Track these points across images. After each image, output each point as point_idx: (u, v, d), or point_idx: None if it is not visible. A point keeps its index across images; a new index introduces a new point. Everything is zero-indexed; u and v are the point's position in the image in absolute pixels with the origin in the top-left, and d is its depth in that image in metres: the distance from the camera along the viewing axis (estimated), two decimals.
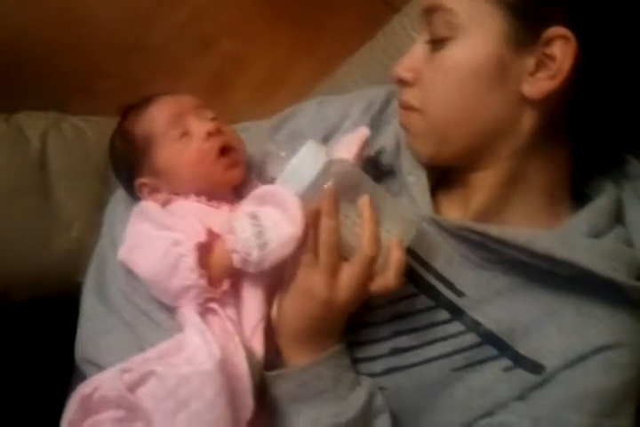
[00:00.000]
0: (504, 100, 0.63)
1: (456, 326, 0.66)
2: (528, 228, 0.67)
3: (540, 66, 0.60)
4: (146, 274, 0.68)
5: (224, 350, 0.62)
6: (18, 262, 0.85)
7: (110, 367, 0.64)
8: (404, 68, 0.68)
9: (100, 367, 0.67)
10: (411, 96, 0.68)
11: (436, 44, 0.64)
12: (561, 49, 0.59)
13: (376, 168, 0.77)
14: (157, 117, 0.75)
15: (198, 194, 0.74)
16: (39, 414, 0.69)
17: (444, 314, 0.67)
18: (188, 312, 0.66)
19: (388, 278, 0.60)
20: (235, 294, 0.68)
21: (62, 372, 0.79)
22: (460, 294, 0.67)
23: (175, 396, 0.59)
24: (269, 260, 0.64)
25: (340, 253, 0.61)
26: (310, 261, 0.61)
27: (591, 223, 0.66)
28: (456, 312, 0.67)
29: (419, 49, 0.67)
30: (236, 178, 0.77)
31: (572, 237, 0.64)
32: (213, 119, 0.77)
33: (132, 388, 0.61)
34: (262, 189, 0.68)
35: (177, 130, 0.74)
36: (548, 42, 0.59)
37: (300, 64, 1.99)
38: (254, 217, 0.65)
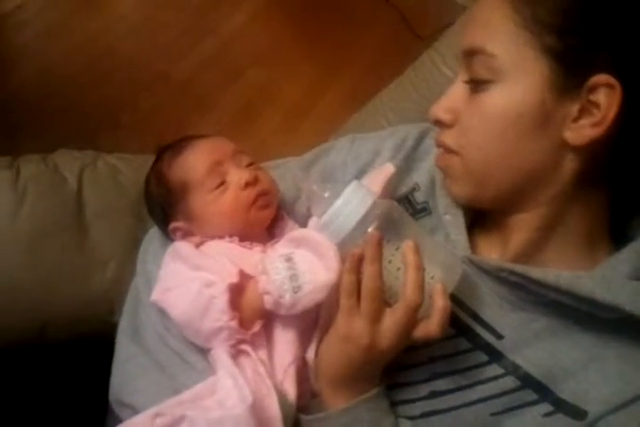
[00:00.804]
0: (545, 145, 0.62)
1: (495, 370, 0.65)
2: (568, 270, 0.66)
3: (583, 112, 0.59)
4: (178, 315, 0.68)
5: (256, 393, 0.62)
6: (54, 302, 0.85)
7: (144, 410, 0.64)
8: (442, 109, 0.67)
9: (134, 410, 0.67)
10: (448, 137, 0.67)
11: (477, 85, 0.63)
12: (606, 97, 0.58)
13: (410, 205, 0.78)
14: (195, 166, 0.75)
15: (231, 235, 0.74)
16: None
17: (482, 357, 0.66)
18: (220, 354, 0.66)
19: (430, 327, 0.59)
20: (266, 335, 0.68)
21: (97, 414, 0.79)
22: (498, 336, 0.66)
23: None
24: (302, 304, 0.64)
25: (383, 299, 0.60)
26: (352, 306, 0.60)
27: (633, 265, 0.64)
28: (495, 355, 0.65)
29: (458, 89, 0.66)
30: (267, 219, 0.77)
31: (614, 279, 0.63)
32: (250, 165, 0.77)
33: None
34: (298, 233, 0.68)
35: (215, 179, 0.75)
36: (593, 89, 0.58)
37: (328, 93, 2.02)
38: (289, 259, 0.65)
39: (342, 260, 0.62)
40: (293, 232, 0.70)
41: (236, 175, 0.75)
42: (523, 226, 0.67)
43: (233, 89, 1.99)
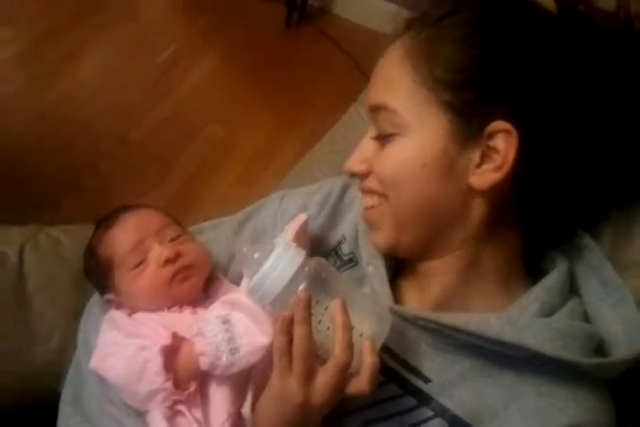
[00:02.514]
0: (453, 191, 0.65)
1: (424, 413, 0.67)
2: (483, 312, 0.68)
3: (484, 158, 0.63)
4: (115, 380, 0.70)
5: None
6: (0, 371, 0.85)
7: None
8: (356, 162, 0.70)
9: None
10: (371, 183, 0.70)
11: (383, 139, 0.66)
12: (504, 142, 0.61)
13: (338, 258, 0.80)
14: (119, 243, 0.77)
15: (158, 308, 0.76)
16: None
17: (412, 401, 0.67)
18: (156, 417, 0.68)
19: (361, 383, 0.60)
20: (201, 394, 0.69)
21: None
22: (425, 379, 0.68)
23: None
24: (238, 365, 0.66)
25: (316, 357, 0.61)
26: (284, 366, 0.61)
27: (541, 302, 0.67)
28: (423, 398, 0.67)
29: (368, 143, 0.69)
30: (190, 291, 0.78)
31: (521, 319, 0.66)
32: (175, 239, 0.79)
33: None
34: (233, 296, 0.70)
35: (136, 257, 0.76)
36: (491, 135, 0.62)
37: (286, 143, 2.05)
38: (226, 321, 0.68)
39: (275, 321, 0.63)
40: (228, 296, 0.72)
41: (156, 253, 0.76)
42: (439, 272, 0.70)
43: (192, 147, 2.03)
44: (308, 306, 0.59)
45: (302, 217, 0.77)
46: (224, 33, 2.38)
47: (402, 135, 0.65)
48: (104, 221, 0.81)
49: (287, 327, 0.60)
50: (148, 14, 2.45)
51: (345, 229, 0.82)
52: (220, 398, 0.69)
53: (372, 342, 0.61)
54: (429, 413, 0.66)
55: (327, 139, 1.11)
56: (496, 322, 0.65)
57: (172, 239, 0.79)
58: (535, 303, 0.67)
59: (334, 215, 0.83)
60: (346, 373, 0.60)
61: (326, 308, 0.61)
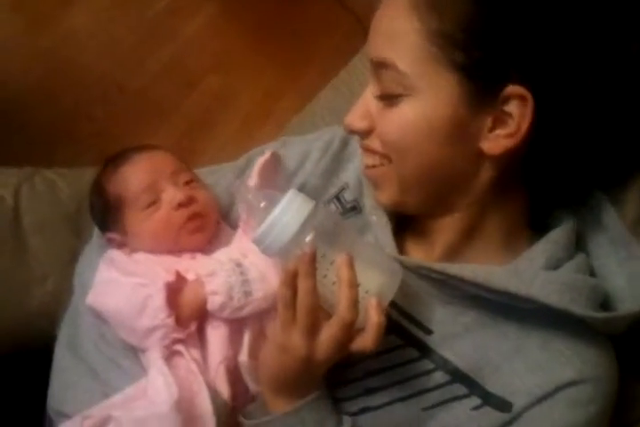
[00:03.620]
0: (462, 155, 0.62)
1: (425, 365, 0.66)
2: (488, 265, 0.67)
3: (497, 123, 0.59)
4: (113, 314, 0.70)
5: (185, 391, 0.63)
6: None
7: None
8: (356, 118, 0.65)
9: (68, 418, 0.67)
10: (373, 142, 0.66)
11: (387, 99, 0.62)
12: (518, 108, 0.57)
13: (340, 205, 0.79)
14: (131, 182, 0.75)
15: (162, 253, 0.75)
16: None
17: (413, 352, 0.67)
18: (153, 355, 0.67)
19: (366, 341, 0.58)
20: (199, 336, 0.69)
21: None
22: (427, 331, 0.67)
23: None
24: (247, 309, 0.66)
25: (321, 311, 0.59)
26: (289, 319, 0.59)
27: (548, 255, 0.66)
28: (425, 350, 0.66)
29: (370, 99, 0.64)
30: (200, 243, 0.76)
31: (528, 270, 0.64)
32: (189, 183, 0.77)
33: None
34: (245, 244, 0.70)
35: (148, 197, 0.74)
36: (505, 100, 0.58)
37: (286, 95, 2.01)
38: (239, 265, 0.67)
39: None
40: (239, 243, 0.72)
41: (170, 194, 0.75)
42: (445, 229, 0.68)
43: (190, 96, 1.98)
44: (313, 260, 0.58)
45: (266, 155, 0.76)
46: None
47: (408, 97, 0.60)
48: (115, 159, 0.79)
49: (291, 280, 0.58)
50: None
51: (348, 176, 0.80)
52: (216, 340, 0.69)
53: (379, 300, 0.59)
54: (431, 365, 0.66)
55: (330, 87, 1.08)
56: (502, 273, 0.64)
57: (186, 183, 0.77)
58: (541, 256, 0.66)
59: (336, 162, 0.82)
60: (350, 330, 0.59)
61: (332, 262, 0.59)
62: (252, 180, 0.76)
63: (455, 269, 0.64)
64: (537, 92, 0.57)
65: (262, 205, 0.61)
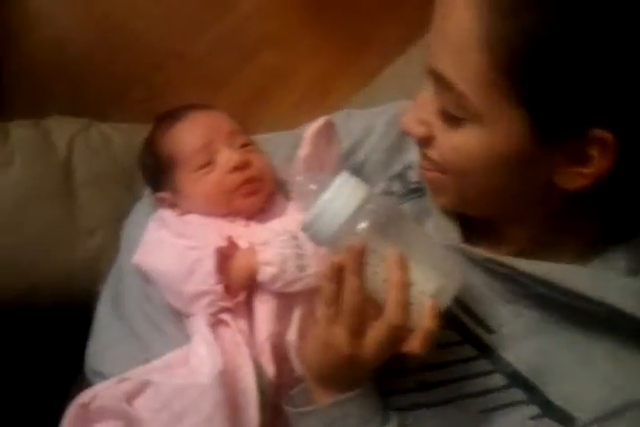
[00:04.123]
0: (527, 185, 0.57)
1: (484, 365, 0.62)
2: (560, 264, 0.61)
3: (573, 161, 0.53)
4: (160, 275, 0.67)
5: (229, 364, 0.60)
6: (40, 267, 0.84)
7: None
8: (413, 122, 0.59)
9: (105, 378, 0.65)
10: (428, 150, 0.60)
11: (449, 119, 0.55)
12: (600, 150, 0.51)
13: (403, 184, 0.74)
14: (185, 141, 0.72)
15: (214, 216, 0.72)
16: (44, 422, 0.68)
17: (471, 351, 0.62)
18: (199, 322, 0.65)
19: (415, 344, 0.54)
20: (247, 308, 0.66)
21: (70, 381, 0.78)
22: (489, 330, 0.62)
23: (170, 408, 0.58)
24: (299, 284, 0.63)
25: (370, 307, 0.55)
26: (332, 315, 0.55)
27: (629, 260, 0.61)
28: (484, 349, 0.62)
29: (428, 106, 0.57)
30: (252, 207, 0.73)
31: (606, 274, 0.60)
32: (245, 146, 0.74)
33: (130, 398, 0.60)
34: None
35: (202, 158, 0.71)
36: (586, 142, 0.51)
37: (344, 76, 1.96)
38: (295, 238, 0.64)
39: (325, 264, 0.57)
40: (296, 216, 0.68)
41: (226, 156, 0.71)
42: (513, 236, 0.64)
43: (247, 69, 1.95)
44: (362, 256, 0.53)
45: (319, 121, 0.71)
46: None
47: (473, 124, 0.53)
48: (170, 116, 0.76)
49: (336, 275, 0.54)
50: None
51: (415, 155, 0.74)
52: (263, 315, 0.66)
53: (435, 303, 0.54)
54: (489, 366, 0.61)
55: (402, 63, 1.04)
56: (577, 274, 0.59)
57: (242, 146, 0.74)
58: (622, 261, 0.61)
59: (403, 139, 0.76)
60: (398, 333, 0.55)
61: (384, 258, 0.55)
62: (303, 149, 0.72)
63: (527, 265, 0.59)
64: (621, 135, 0.50)
65: (312, 187, 0.56)
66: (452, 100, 0.53)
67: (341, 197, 0.54)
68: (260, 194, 0.73)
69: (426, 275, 0.55)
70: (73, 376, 0.76)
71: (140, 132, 0.81)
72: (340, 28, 2.07)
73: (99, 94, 1.75)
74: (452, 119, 0.54)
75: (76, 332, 0.75)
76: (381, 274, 0.55)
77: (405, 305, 0.53)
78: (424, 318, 0.54)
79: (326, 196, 0.54)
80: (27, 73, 1.69)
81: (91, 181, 0.88)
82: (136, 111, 1.71)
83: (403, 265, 0.54)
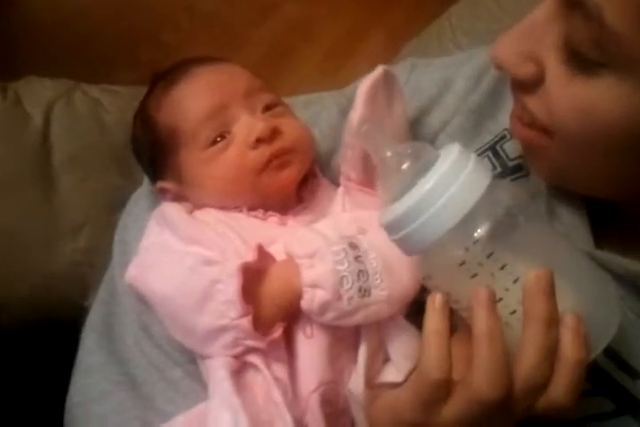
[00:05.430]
0: None
1: (625, 423, 0.49)
2: None
3: None
4: (163, 301, 0.50)
5: None
6: (11, 275, 0.71)
7: None
8: (514, 56, 0.45)
9: None
10: (535, 103, 0.46)
11: (576, 60, 0.42)
12: None
13: (498, 160, 0.59)
14: (189, 108, 0.57)
15: (236, 207, 0.56)
16: None
17: (608, 404, 0.50)
18: (217, 367, 0.48)
19: (553, 395, 0.41)
20: (286, 347, 0.49)
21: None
22: (634, 374, 0.49)
23: None
24: (361, 315, 0.47)
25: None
26: (442, 396, 0.41)
27: None
28: (626, 402, 0.49)
29: (544, 33, 0.44)
30: (289, 185, 0.58)
31: None
32: (270, 108, 0.58)
33: None
34: (363, 214, 0.53)
35: (212, 130, 0.56)
36: None
37: (372, 32, 1.86)
38: (354, 246, 0.48)
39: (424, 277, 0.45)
40: (355, 212, 0.54)
41: (246, 126, 0.56)
42: None
43: (267, 24, 1.87)
44: (492, 305, 0.40)
45: (376, 71, 0.56)
46: None
47: (611, 72, 0.41)
48: (167, 75, 0.60)
49: (443, 312, 0.42)
50: None
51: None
52: (310, 356, 0.49)
53: (584, 335, 0.41)
54: (633, 424, 0.49)
55: (467, 2, 0.87)
56: None
57: (266, 109, 0.57)
58: None
59: (495, 98, 0.62)
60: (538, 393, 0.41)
61: (517, 280, 0.41)
62: (356, 111, 0.56)
63: None
64: None
65: (404, 167, 0.42)
66: (591, 34, 0.40)
67: (452, 187, 0.39)
68: (294, 167, 0.56)
69: (576, 303, 0.42)
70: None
71: (138, 94, 0.66)
72: None
73: (100, 56, 1.64)
74: (583, 63, 0.42)
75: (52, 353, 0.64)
76: (509, 301, 0.41)
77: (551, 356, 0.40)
78: (570, 368, 0.41)
79: (430, 182, 0.39)
80: (18, 33, 1.59)
81: (73, 161, 0.73)
82: (146, 72, 1.62)
83: (550, 291, 0.40)
